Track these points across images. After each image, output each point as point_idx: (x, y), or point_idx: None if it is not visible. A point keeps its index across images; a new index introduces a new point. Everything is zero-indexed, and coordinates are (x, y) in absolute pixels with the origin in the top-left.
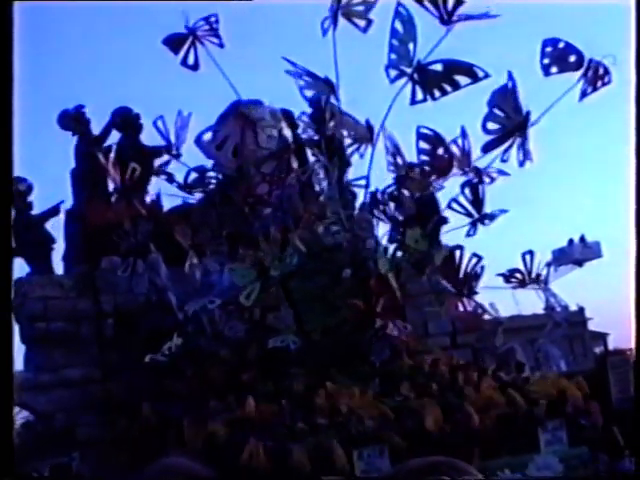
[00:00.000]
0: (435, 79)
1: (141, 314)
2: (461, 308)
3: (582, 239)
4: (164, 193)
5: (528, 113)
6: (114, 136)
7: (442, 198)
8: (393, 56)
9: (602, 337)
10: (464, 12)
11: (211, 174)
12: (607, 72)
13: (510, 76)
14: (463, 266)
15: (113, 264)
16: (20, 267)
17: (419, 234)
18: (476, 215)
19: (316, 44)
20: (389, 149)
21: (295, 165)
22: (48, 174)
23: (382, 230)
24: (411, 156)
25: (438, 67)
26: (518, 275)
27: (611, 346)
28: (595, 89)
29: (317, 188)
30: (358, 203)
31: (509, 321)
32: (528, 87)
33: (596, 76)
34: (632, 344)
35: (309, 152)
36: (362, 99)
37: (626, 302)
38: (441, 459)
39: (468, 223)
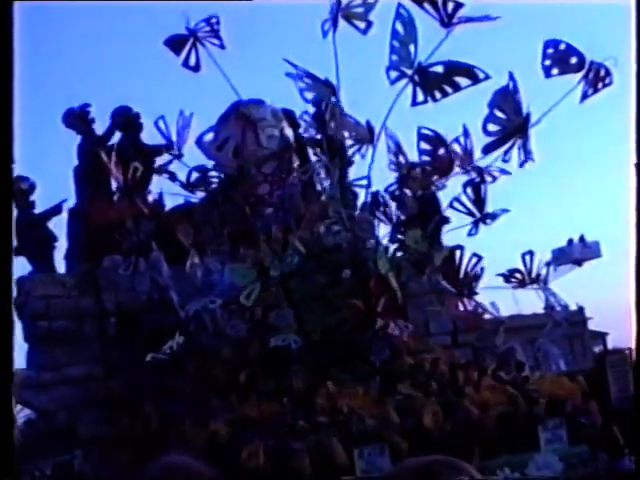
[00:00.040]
0: (436, 81)
1: (143, 312)
2: (461, 308)
3: (582, 239)
4: (166, 192)
5: (528, 115)
6: (115, 135)
7: (444, 197)
8: (394, 57)
9: (601, 336)
10: (464, 14)
11: (213, 173)
12: (608, 73)
13: (511, 77)
14: (463, 266)
15: (115, 263)
16: (23, 266)
17: (419, 235)
18: (478, 214)
19: (318, 44)
20: (391, 148)
21: (296, 164)
22: (50, 173)
23: (383, 231)
24: (412, 156)
25: (439, 69)
26: (518, 275)
27: (610, 345)
28: (596, 90)
29: (319, 188)
30: (359, 203)
31: (509, 320)
32: (529, 88)
33: (597, 78)
34: (632, 344)
35: (310, 152)
36: (363, 100)
37: (625, 302)
38: (439, 458)
39: (470, 222)
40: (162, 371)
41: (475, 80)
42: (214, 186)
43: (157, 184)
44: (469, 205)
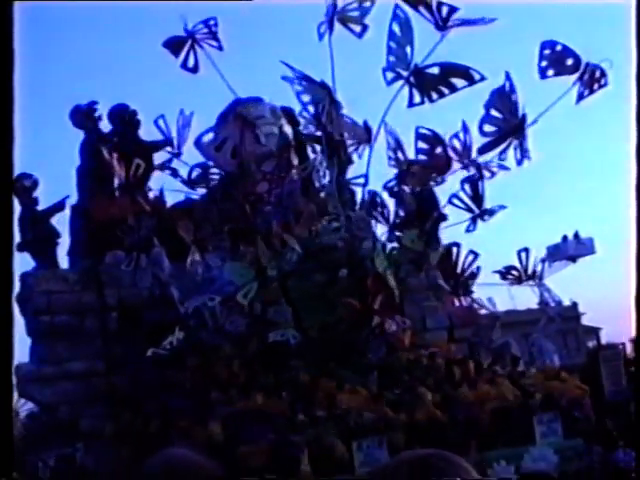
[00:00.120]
0: (432, 82)
1: (145, 308)
2: (457, 303)
3: (576, 236)
4: (167, 189)
5: (524, 116)
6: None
7: (442, 194)
8: (391, 58)
9: (595, 331)
10: (460, 17)
11: (214, 170)
12: (604, 75)
13: (508, 77)
14: (460, 263)
15: (117, 259)
16: (26, 261)
17: (415, 235)
18: (476, 211)
19: (316, 45)
20: (390, 144)
21: (296, 162)
22: (53, 170)
23: (380, 230)
24: (411, 155)
25: (435, 70)
26: (514, 272)
27: (603, 340)
28: (592, 92)
29: (317, 185)
30: (357, 202)
31: (504, 316)
32: (526, 89)
33: (592, 79)
34: (624, 339)
35: (309, 149)
36: (360, 101)
37: (619, 297)
38: (432, 451)
39: (468, 219)
40: (163, 366)
41: (471, 81)
42: (215, 183)
43: (158, 181)
44: (467, 201)
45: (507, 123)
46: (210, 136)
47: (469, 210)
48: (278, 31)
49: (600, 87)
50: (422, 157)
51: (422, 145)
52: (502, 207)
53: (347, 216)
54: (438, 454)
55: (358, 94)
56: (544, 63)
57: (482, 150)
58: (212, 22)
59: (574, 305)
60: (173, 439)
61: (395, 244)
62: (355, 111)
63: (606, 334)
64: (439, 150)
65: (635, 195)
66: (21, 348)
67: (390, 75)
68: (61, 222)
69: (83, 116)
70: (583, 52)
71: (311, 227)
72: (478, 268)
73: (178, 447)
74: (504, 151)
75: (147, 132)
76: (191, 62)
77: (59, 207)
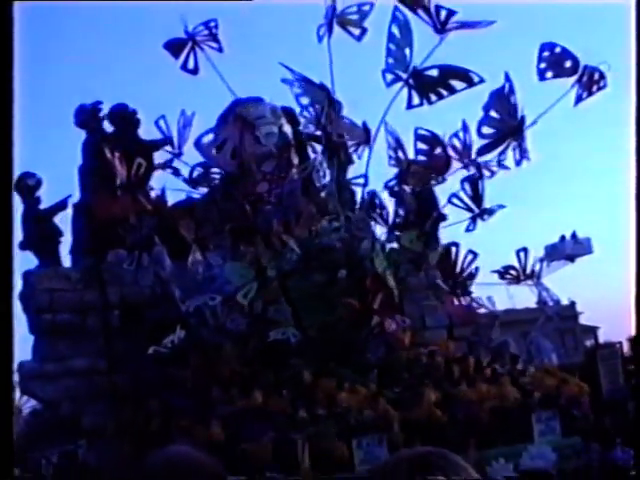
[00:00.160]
0: (431, 84)
1: (147, 306)
2: (456, 302)
3: (573, 235)
4: (169, 188)
5: (523, 118)
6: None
7: (443, 194)
8: (390, 60)
9: (592, 330)
10: (458, 20)
11: (215, 170)
12: (602, 77)
13: (507, 78)
14: (459, 262)
15: (119, 257)
16: (29, 260)
17: (414, 235)
18: (476, 210)
19: (317, 46)
20: (391, 144)
21: (296, 161)
22: (52, 170)
23: (379, 230)
24: (410, 155)
25: (434, 72)
26: (513, 272)
27: (601, 339)
28: (590, 94)
29: (318, 184)
30: (357, 202)
31: (503, 315)
32: (525, 91)
33: (591, 81)
34: (623, 338)
35: (310, 149)
36: (360, 103)
37: (616, 297)
38: (430, 449)
39: (468, 218)
40: (164, 364)
41: (470, 83)
42: (216, 183)
43: (160, 180)
44: (467, 201)
45: (505, 125)
46: (210, 137)
47: (469, 209)
48: (279, 33)
49: (599, 89)
50: (421, 158)
51: (421, 146)
52: (501, 207)
53: (346, 217)
54: (437, 452)
55: (357, 96)
56: (543, 65)
57: (481, 152)
58: (212, 24)
59: (572, 304)
60: (174, 437)
61: (394, 244)
62: (354, 113)
63: (604, 333)
64: (438, 151)
65: (635, 196)
66: (24, 346)
67: (389, 77)
68: (63, 221)
69: (88, 115)
70: (582, 53)
71: (311, 227)
72: (477, 269)
73: (179, 444)
74: (503, 152)
75: (148, 133)
76: (191, 64)
77: (62, 206)
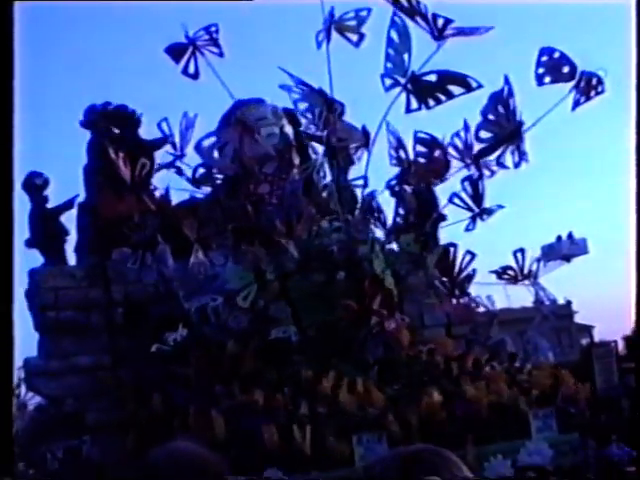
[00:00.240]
0: (429, 89)
1: (150, 304)
2: (454, 301)
3: (570, 236)
4: (172, 188)
5: (521, 123)
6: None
7: (443, 193)
8: (389, 65)
9: (588, 329)
10: (456, 27)
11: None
12: (600, 82)
13: (506, 80)
14: (457, 262)
15: (124, 255)
16: (35, 258)
17: (412, 239)
18: (476, 209)
19: (317, 49)
20: (392, 143)
21: (297, 162)
22: (52, 170)
23: (378, 232)
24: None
25: (432, 77)
26: (510, 272)
27: (596, 338)
28: (588, 99)
29: (319, 185)
30: (357, 202)
31: (500, 314)
32: (523, 94)
33: (589, 86)
34: (618, 336)
35: (310, 149)
36: (359, 107)
37: (612, 296)
38: (424, 447)
39: (468, 218)
40: (167, 361)
41: (468, 89)
42: (218, 183)
43: (164, 180)
44: (467, 200)
45: (503, 129)
46: (211, 140)
47: (469, 209)
48: (279, 37)
49: (597, 94)
50: (421, 160)
51: (420, 149)
52: (500, 207)
53: (345, 219)
54: (429, 449)
55: (356, 100)
56: (541, 70)
57: (479, 155)
58: (213, 29)
59: (568, 303)
60: (177, 432)
61: (394, 245)
62: (353, 117)
63: (599, 332)
64: (437, 153)
65: (635, 196)
66: (29, 343)
67: (388, 81)
68: (69, 220)
69: (98, 116)
70: (582, 55)
71: (311, 229)
72: (474, 270)
73: (182, 440)
74: (502, 155)
75: (150, 136)
76: (192, 68)
77: (68, 205)
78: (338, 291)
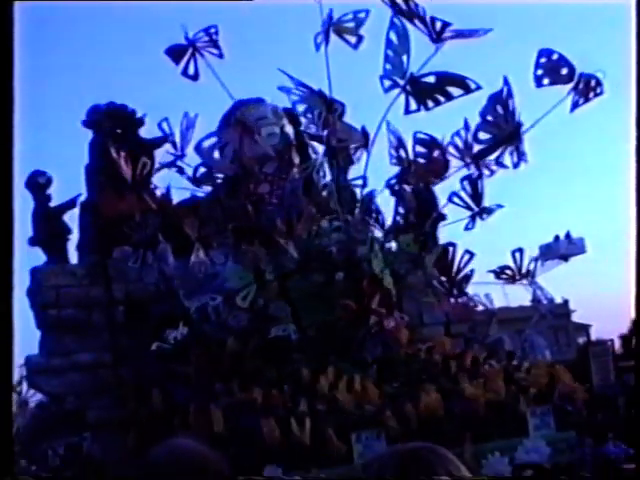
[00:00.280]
0: (428, 90)
1: (151, 302)
2: (453, 300)
3: (567, 235)
4: (173, 187)
5: (519, 124)
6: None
7: (443, 193)
8: (388, 66)
9: (585, 328)
10: (454, 29)
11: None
12: (599, 84)
13: (506, 81)
14: (456, 262)
15: (125, 254)
16: (38, 257)
17: (411, 239)
18: (475, 209)
19: (317, 51)
20: (392, 142)
21: (297, 161)
22: (51, 170)
23: (377, 233)
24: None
25: (431, 79)
26: (508, 272)
27: (593, 337)
28: (587, 100)
29: (319, 184)
30: (357, 202)
31: (498, 312)
32: (522, 95)
33: (588, 88)
34: (615, 335)
35: (310, 149)
36: (358, 108)
37: (609, 296)
38: (421, 445)
39: (467, 217)
40: (167, 360)
41: (466, 90)
42: (219, 182)
43: (165, 179)
44: (467, 199)
45: (502, 130)
46: (212, 140)
47: (468, 208)
48: (278, 39)
49: (596, 95)
50: (421, 160)
51: (420, 149)
52: (500, 206)
53: (345, 219)
54: (427, 447)
55: (356, 102)
56: (540, 72)
57: (478, 156)
58: (213, 30)
59: (565, 303)
60: (177, 429)
61: (393, 245)
62: (353, 118)
63: (596, 331)
64: (437, 153)
65: (635, 196)
66: (31, 341)
67: (387, 83)
68: (70, 219)
69: (102, 115)
70: (581, 56)
71: (311, 229)
72: (472, 270)
73: (182, 437)
74: (501, 155)
75: (150, 136)
76: (191, 70)
77: (71, 204)
78: (337, 291)
